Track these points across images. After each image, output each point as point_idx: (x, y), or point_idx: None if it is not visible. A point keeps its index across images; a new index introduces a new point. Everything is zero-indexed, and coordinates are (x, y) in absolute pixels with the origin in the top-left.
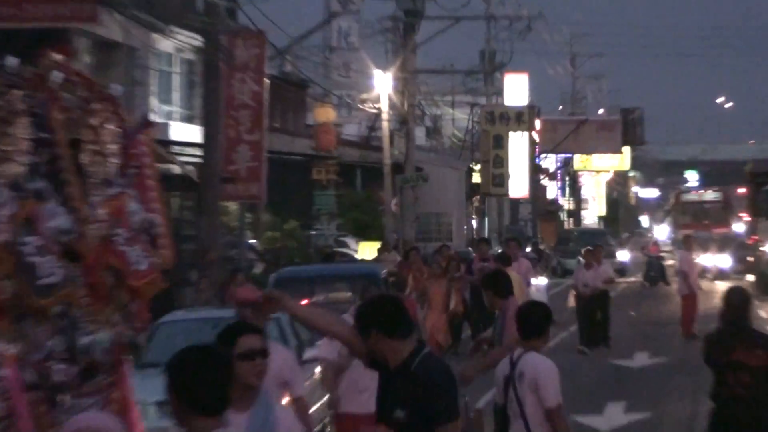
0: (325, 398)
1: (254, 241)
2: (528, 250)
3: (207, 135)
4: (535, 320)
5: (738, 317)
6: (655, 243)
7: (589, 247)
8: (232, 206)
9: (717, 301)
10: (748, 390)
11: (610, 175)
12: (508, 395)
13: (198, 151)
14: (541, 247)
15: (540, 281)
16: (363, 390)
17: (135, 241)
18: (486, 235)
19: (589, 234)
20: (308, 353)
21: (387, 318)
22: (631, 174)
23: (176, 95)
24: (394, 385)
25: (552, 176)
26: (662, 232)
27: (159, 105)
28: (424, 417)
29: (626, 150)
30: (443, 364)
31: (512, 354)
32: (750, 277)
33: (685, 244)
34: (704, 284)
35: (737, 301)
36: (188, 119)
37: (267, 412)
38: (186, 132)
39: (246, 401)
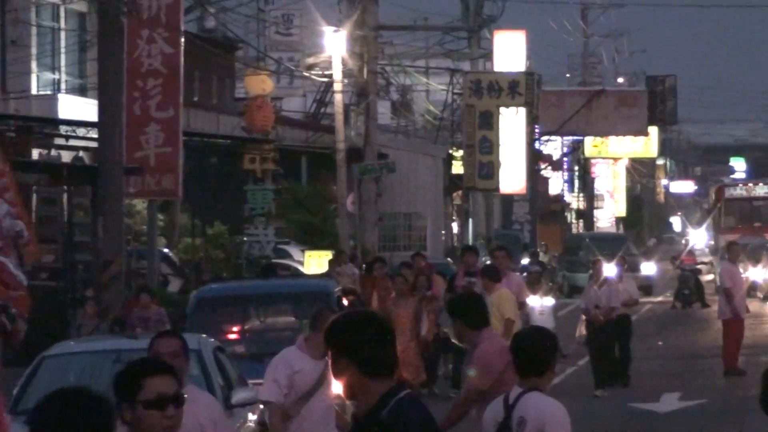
0: None
1: (168, 250)
2: (526, 261)
3: (104, 111)
4: (538, 351)
5: None
6: (690, 252)
7: (599, 257)
8: (140, 205)
9: None
10: None
11: (630, 164)
12: None
13: (93, 133)
14: (544, 258)
15: (545, 302)
16: None
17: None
18: (471, 242)
19: (605, 240)
20: (238, 395)
21: (364, 345)
22: (660, 162)
23: (64, 59)
24: None
25: (556, 166)
26: (700, 237)
27: (41, 72)
28: None
29: (653, 131)
30: (424, 412)
31: (507, 395)
32: None
33: (729, 253)
34: (753, 305)
35: None
36: (80, 90)
37: None
38: (77, 107)
39: None
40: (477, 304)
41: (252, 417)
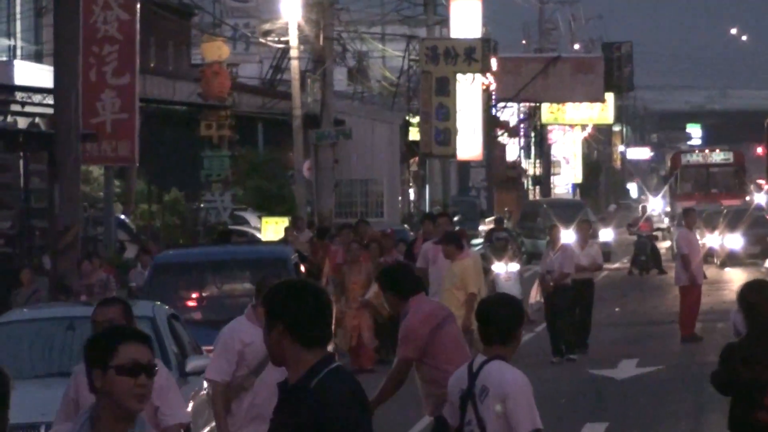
0: (212, 425)
1: (125, 216)
2: (486, 229)
3: (60, 78)
4: (501, 320)
5: None
6: (647, 219)
7: (556, 223)
8: (96, 171)
9: (727, 294)
10: None
11: (588, 131)
12: (465, 417)
13: (49, 99)
14: (508, 224)
15: (510, 268)
16: (266, 418)
17: None
18: (427, 209)
19: (563, 207)
20: (192, 363)
21: (300, 314)
22: (617, 129)
23: (19, 25)
24: (287, 406)
25: (513, 132)
26: (656, 204)
27: None
28: None
29: (610, 98)
30: (353, 384)
31: (471, 363)
32: None
33: (686, 219)
34: (710, 271)
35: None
36: (36, 57)
37: None
38: (33, 74)
39: (117, 430)
40: (405, 274)
41: (206, 385)
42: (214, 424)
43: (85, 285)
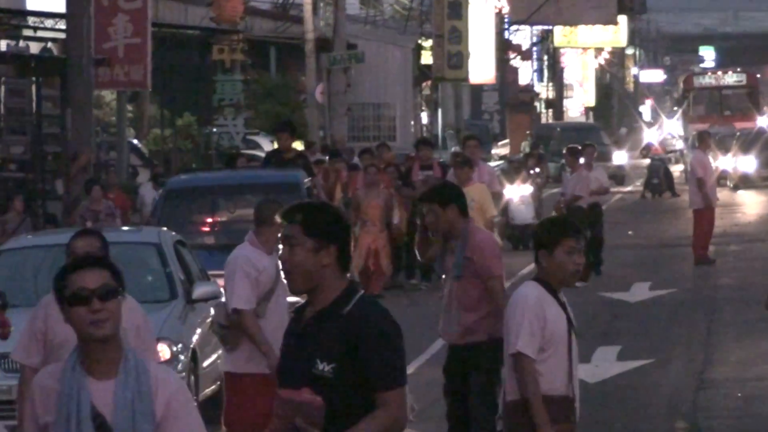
0: (219, 351)
1: (137, 141)
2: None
3: (72, 2)
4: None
5: None
6: (661, 141)
7: (571, 145)
8: (108, 96)
9: (740, 217)
10: None
11: (602, 54)
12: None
13: (62, 24)
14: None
15: (523, 190)
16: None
17: None
18: (440, 132)
19: (577, 130)
20: (199, 290)
21: (347, 237)
22: (630, 52)
23: None
24: (315, 332)
25: (526, 55)
26: (670, 126)
27: None
28: (359, 376)
29: (623, 20)
30: (385, 310)
31: None
32: None
33: (699, 142)
34: (722, 194)
35: None
36: None
37: (139, 378)
38: None
39: (106, 364)
40: (462, 193)
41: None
42: (221, 351)
43: (93, 211)
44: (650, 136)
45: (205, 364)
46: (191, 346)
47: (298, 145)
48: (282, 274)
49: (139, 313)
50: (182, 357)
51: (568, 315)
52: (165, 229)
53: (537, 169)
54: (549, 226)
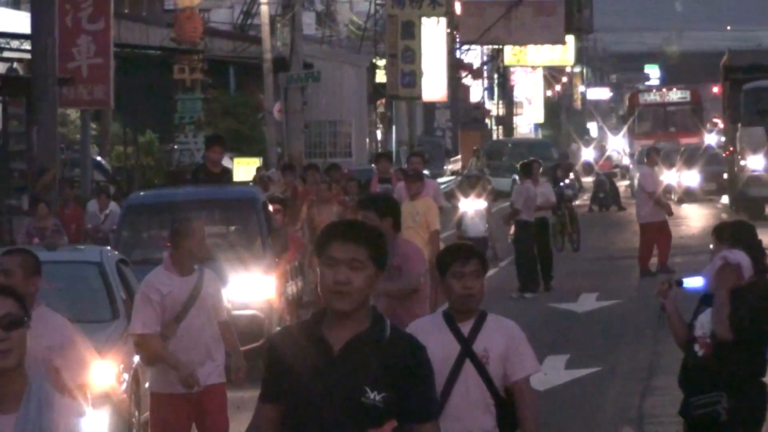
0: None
1: (101, 158)
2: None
3: (37, 24)
4: None
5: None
6: (607, 158)
7: (524, 161)
8: (73, 114)
9: (684, 229)
10: None
11: (548, 72)
12: None
13: (27, 45)
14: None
15: (477, 205)
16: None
17: None
18: (394, 149)
19: (529, 146)
20: None
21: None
22: (577, 70)
23: None
24: (355, 358)
25: (477, 74)
26: (616, 143)
27: None
28: (400, 407)
29: (570, 40)
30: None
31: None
32: (725, 199)
33: (648, 158)
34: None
35: (756, 242)
36: (13, 4)
37: (41, 413)
38: (11, 20)
39: (7, 397)
40: (399, 209)
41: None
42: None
43: (39, 228)
44: (587, 154)
45: (147, 384)
46: (133, 366)
47: (249, 163)
48: (201, 292)
49: (66, 331)
50: (123, 377)
51: (466, 342)
52: (107, 248)
53: (567, 180)
54: (443, 252)
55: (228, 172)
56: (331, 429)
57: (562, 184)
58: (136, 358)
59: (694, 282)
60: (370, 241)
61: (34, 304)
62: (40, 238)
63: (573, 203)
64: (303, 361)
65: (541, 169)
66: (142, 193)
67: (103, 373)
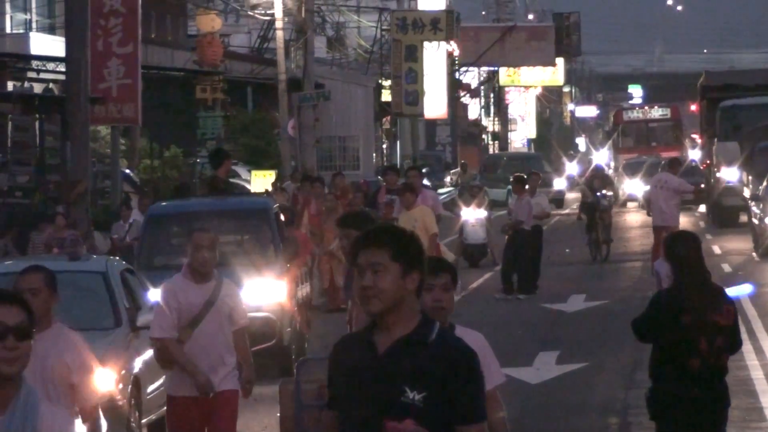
0: (162, 378)
1: (129, 171)
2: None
3: (71, 48)
4: None
5: (700, 270)
6: (603, 176)
7: (517, 174)
8: (104, 131)
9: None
10: (719, 358)
11: (540, 91)
12: None
13: (62, 67)
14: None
15: (477, 214)
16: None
17: None
18: (398, 162)
19: (522, 159)
20: (143, 317)
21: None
22: (566, 89)
23: (34, 1)
24: (399, 359)
25: (474, 93)
26: (602, 156)
27: (14, 13)
28: (444, 407)
29: (560, 62)
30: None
31: None
32: (702, 208)
33: (671, 167)
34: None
35: (696, 253)
36: (49, 29)
37: (26, 416)
38: (47, 44)
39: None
40: (370, 221)
41: None
42: (164, 377)
43: (58, 238)
44: (571, 168)
45: (149, 389)
46: (134, 372)
47: (266, 175)
48: (212, 302)
49: (80, 349)
50: (123, 384)
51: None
52: (113, 257)
53: (604, 191)
54: None
55: (229, 184)
56: (371, 428)
57: (598, 194)
58: (138, 366)
59: (741, 290)
60: (392, 242)
61: (51, 320)
62: (59, 248)
63: (609, 213)
64: (353, 364)
65: (540, 182)
66: (163, 204)
67: (103, 379)
